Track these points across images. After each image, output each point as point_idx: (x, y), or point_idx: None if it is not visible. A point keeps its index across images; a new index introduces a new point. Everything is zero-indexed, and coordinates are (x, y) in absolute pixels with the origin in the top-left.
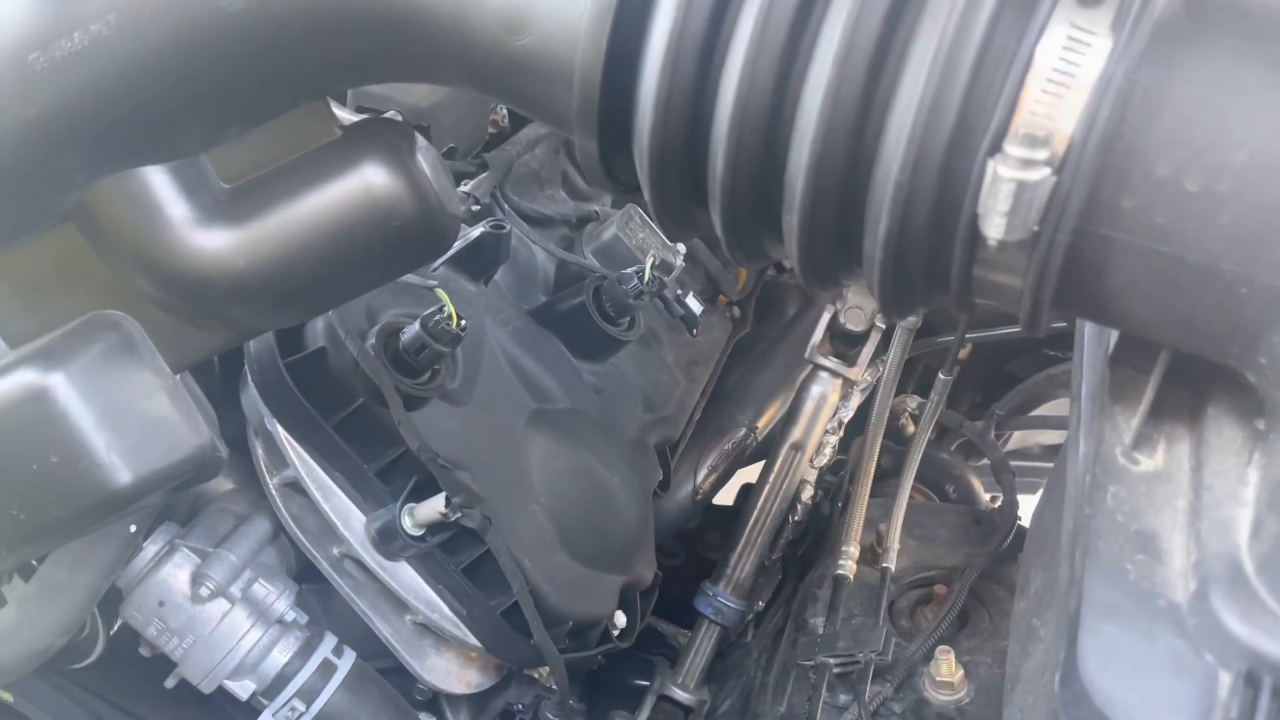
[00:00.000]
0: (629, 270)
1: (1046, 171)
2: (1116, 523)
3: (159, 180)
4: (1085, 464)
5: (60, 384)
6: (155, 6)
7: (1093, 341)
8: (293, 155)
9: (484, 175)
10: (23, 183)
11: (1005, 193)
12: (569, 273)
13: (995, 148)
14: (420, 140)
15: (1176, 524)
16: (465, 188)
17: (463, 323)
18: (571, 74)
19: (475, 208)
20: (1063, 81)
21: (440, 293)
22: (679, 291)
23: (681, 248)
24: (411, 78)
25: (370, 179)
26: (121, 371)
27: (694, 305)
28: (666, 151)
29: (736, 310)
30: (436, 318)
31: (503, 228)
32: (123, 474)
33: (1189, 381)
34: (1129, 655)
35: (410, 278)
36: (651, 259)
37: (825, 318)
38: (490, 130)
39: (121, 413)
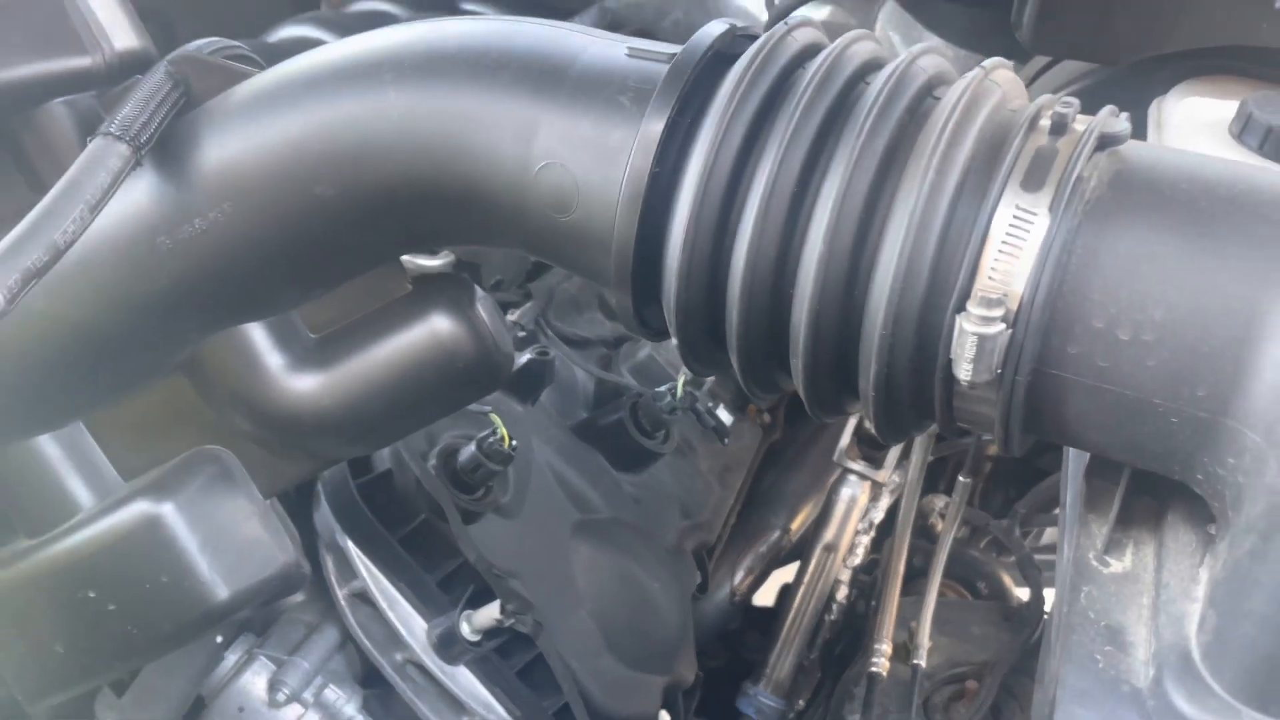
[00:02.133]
0: (662, 388)
1: (1003, 326)
2: (1089, 619)
3: (258, 334)
4: (1066, 568)
5: (170, 513)
6: (262, 197)
7: (1075, 457)
8: (370, 308)
9: (529, 304)
10: (149, 343)
11: (970, 344)
12: (607, 390)
13: (960, 307)
14: (478, 291)
15: (1140, 619)
16: (512, 316)
17: (514, 443)
18: (609, 244)
19: (521, 334)
20: (1011, 253)
21: (494, 417)
22: (710, 404)
23: None
24: (473, 244)
25: (437, 328)
26: (221, 500)
27: (725, 416)
28: (689, 309)
29: (767, 417)
30: (490, 439)
31: (547, 354)
32: (223, 590)
33: (1154, 491)
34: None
35: None
36: (683, 375)
37: (852, 423)
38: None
39: (222, 536)
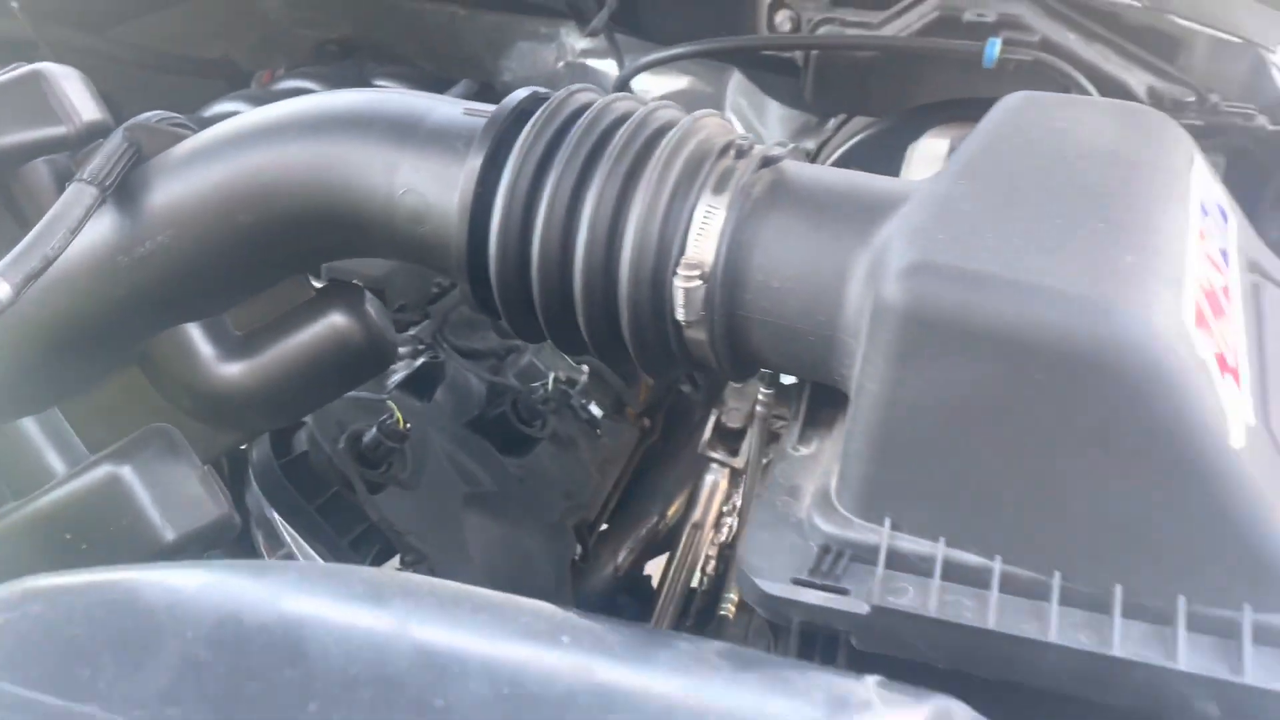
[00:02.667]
0: (536, 384)
1: (700, 282)
2: (778, 484)
3: (195, 332)
4: (758, 454)
5: (128, 473)
6: (196, 224)
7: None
8: (283, 310)
9: (427, 322)
10: (113, 339)
11: (681, 294)
12: (496, 391)
13: (674, 271)
14: (367, 294)
15: (810, 481)
16: (412, 332)
17: (408, 425)
18: (451, 246)
19: (420, 346)
20: (704, 233)
21: (391, 404)
22: (583, 401)
23: (585, 368)
24: (359, 255)
25: (335, 322)
26: (169, 465)
27: (595, 411)
28: (507, 288)
29: (646, 421)
30: (389, 421)
31: (438, 358)
32: (170, 533)
33: (832, 402)
34: (769, 547)
35: (369, 395)
36: (554, 375)
37: (712, 419)
38: (434, 290)
39: (169, 492)
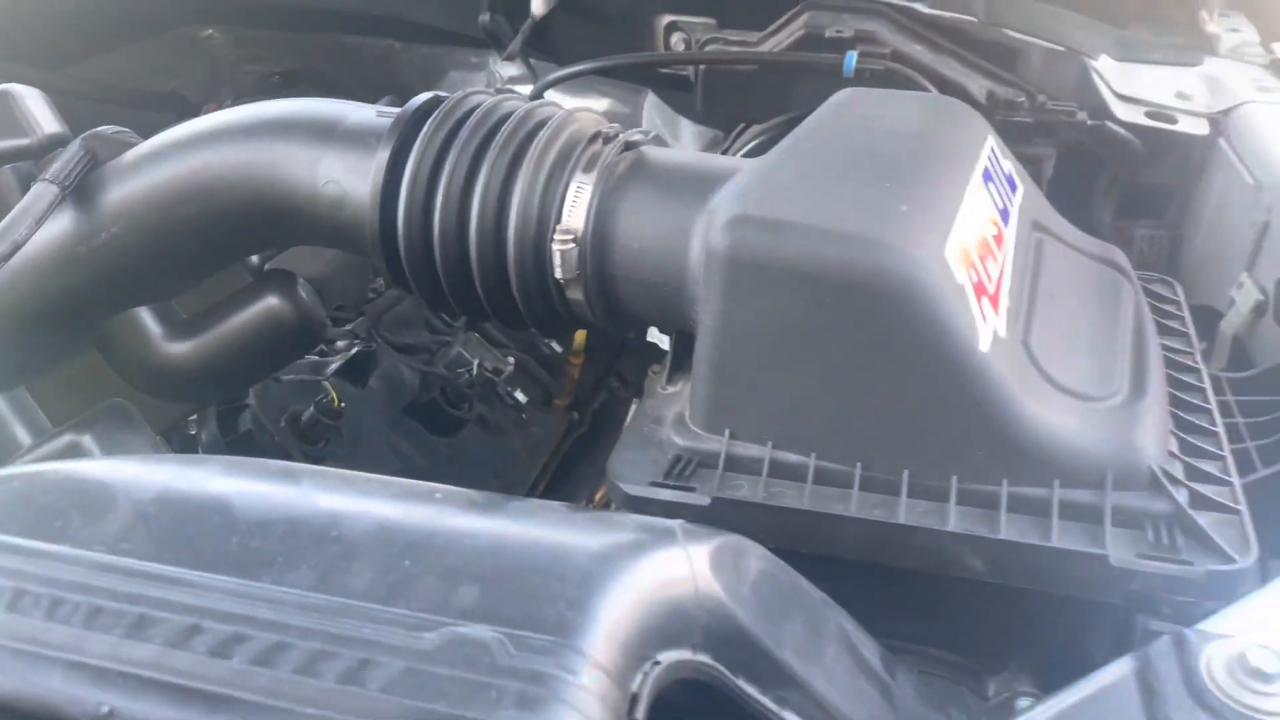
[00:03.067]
0: (462, 369)
1: (574, 245)
2: (646, 414)
3: (146, 316)
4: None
5: (88, 441)
6: (145, 215)
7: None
8: (225, 295)
9: (362, 318)
10: (75, 322)
11: (558, 256)
12: (427, 380)
13: (552, 237)
14: (299, 280)
15: (671, 410)
16: (349, 327)
17: (342, 404)
18: (366, 229)
19: (356, 339)
20: (576, 205)
21: (327, 385)
22: (509, 389)
23: (511, 360)
24: (290, 243)
25: (270, 304)
26: (124, 434)
27: (520, 397)
28: (414, 263)
29: (575, 414)
30: (324, 400)
31: (371, 348)
32: None
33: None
34: (633, 460)
35: (308, 377)
36: (478, 363)
37: (633, 408)
38: (371, 294)
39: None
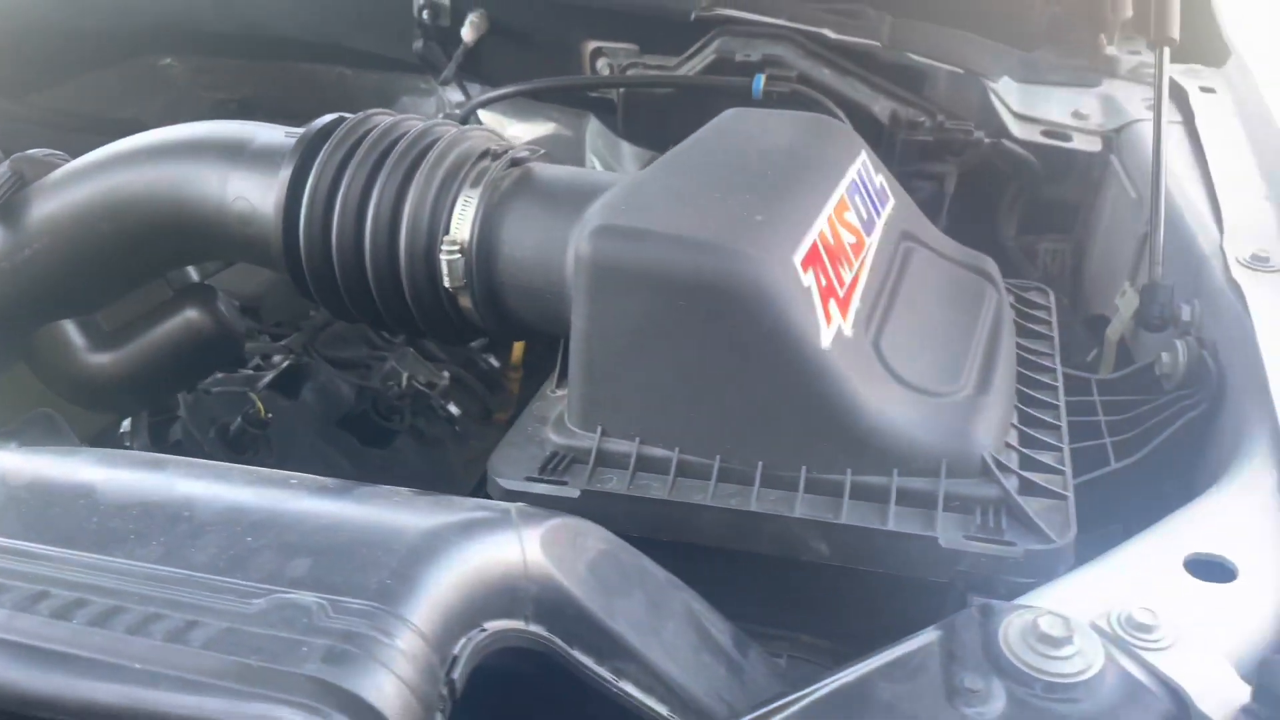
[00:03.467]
0: (391, 382)
1: (460, 255)
2: (532, 415)
3: (70, 329)
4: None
5: (14, 448)
6: (67, 231)
7: None
8: (146, 309)
9: (297, 334)
10: (3, 334)
11: (445, 265)
12: (363, 394)
13: (440, 246)
14: (219, 293)
15: (554, 411)
16: (284, 342)
17: (269, 415)
18: (271, 242)
19: (290, 354)
20: (463, 217)
21: (253, 396)
22: (442, 402)
23: (446, 374)
24: (204, 258)
25: (190, 317)
26: (51, 441)
27: (454, 410)
28: (317, 277)
29: None
30: (250, 411)
31: (302, 361)
32: None
33: None
34: (513, 457)
35: (236, 389)
36: (407, 376)
37: None
38: (312, 311)
39: None
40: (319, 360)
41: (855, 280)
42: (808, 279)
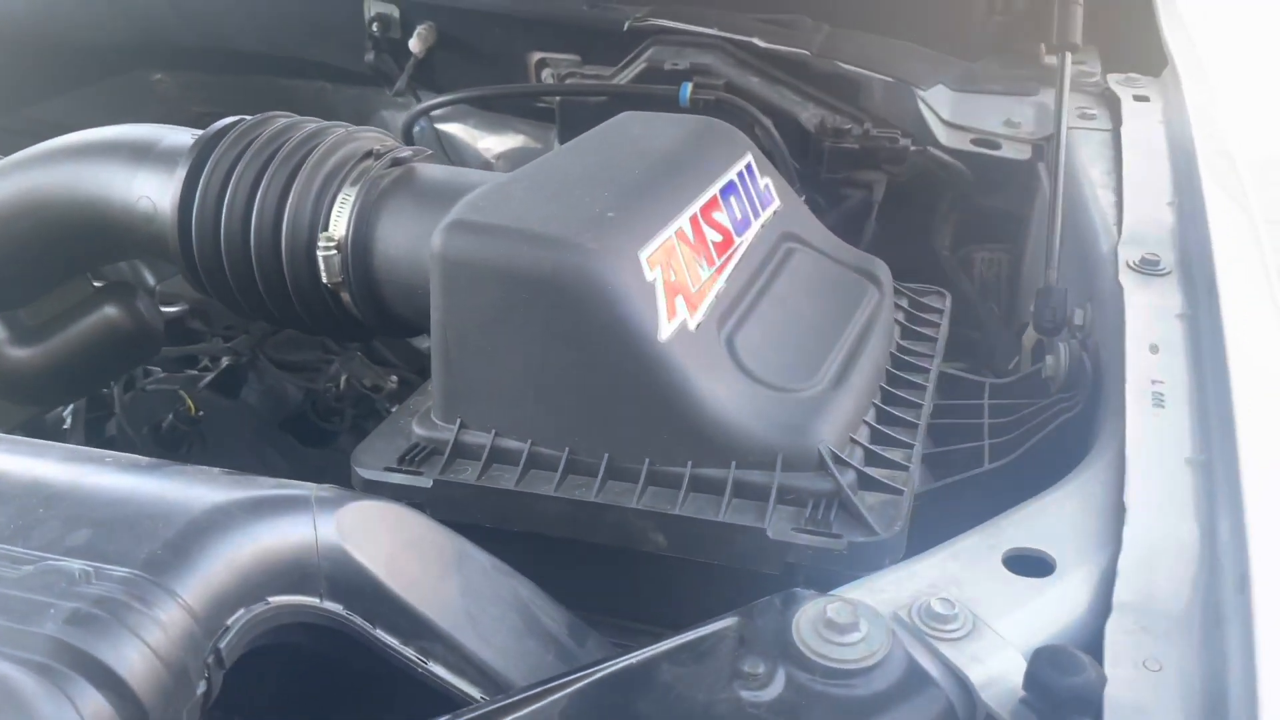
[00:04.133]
0: (330, 384)
1: (336, 251)
2: (408, 408)
3: None
4: None
5: None
6: None
7: None
8: (68, 304)
9: (243, 336)
10: None
11: (322, 261)
12: (308, 396)
13: (318, 243)
14: (139, 290)
15: (424, 407)
16: (230, 344)
17: (200, 412)
18: (169, 238)
19: (237, 355)
20: (340, 215)
21: (183, 394)
22: (388, 406)
23: (394, 378)
24: (117, 257)
25: (108, 313)
26: None
27: None
28: (210, 273)
29: None
30: (181, 408)
31: (240, 360)
32: None
33: None
34: (378, 448)
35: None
36: (345, 377)
37: None
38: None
39: None
40: (265, 362)
41: (715, 277)
42: (653, 274)
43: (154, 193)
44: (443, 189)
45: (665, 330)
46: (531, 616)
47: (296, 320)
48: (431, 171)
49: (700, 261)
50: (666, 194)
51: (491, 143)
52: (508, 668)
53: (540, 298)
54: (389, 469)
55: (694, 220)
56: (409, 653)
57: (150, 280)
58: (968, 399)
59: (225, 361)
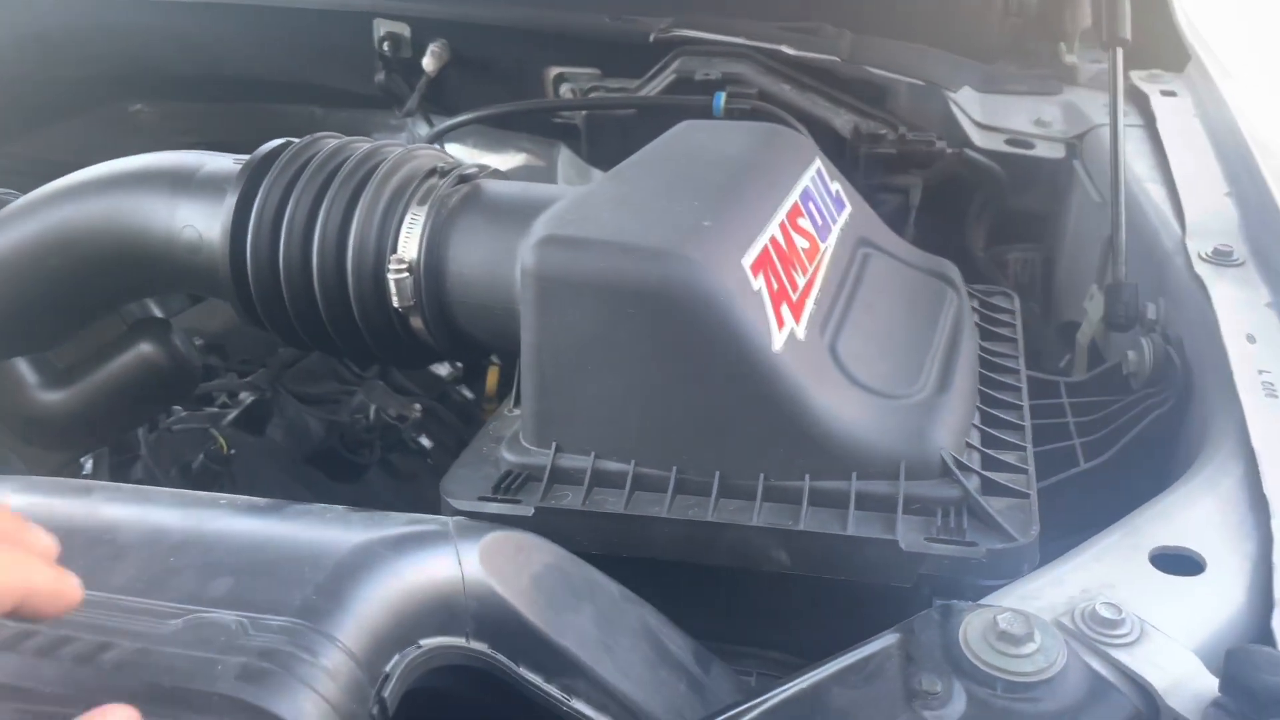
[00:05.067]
0: (359, 415)
1: (408, 274)
2: (488, 434)
3: (22, 365)
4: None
5: None
6: (15, 271)
7: None
8: (100, 343)
9: (263, 370)
10: None
11: (393, 284)
12: (330, 428)
13: (387, 266)
14: (173, 327)
15: (511, 431)
16: (249, 379)
17: (232, 451)
18: (220, 270)
19: (256, 390)
20: (410, 235)
21: (215, 433)
22: (414, 435)
23: (418, 406)
24: (153, 292)
25: (144, 352)
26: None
27: (426, 443)
28: (266, 302)
29: None
30: (212, 447)
31: (270, 397)
32: None
33: None
34: (467, 477)
35: (198, 427)
36: (374, 408)
37: None
38: (280, 348)
39: None
40: (286, 396)
41: (810, 284)
42: (758, 283)
43: (199, 221)
44: (515, 205)
45: (778, 340)
46: (661, 645)
47: (358, 347)
48: (500, 187)
49: (796, 269)
50: (754, 202)
51: (493, 161)
52: (647, 700)
53: (645, 312)
54: (483, 498)
55: (783, 227)
56: (552, 690)
57: (158, 315)
58: (1043, 399)
59: (246, 397)
